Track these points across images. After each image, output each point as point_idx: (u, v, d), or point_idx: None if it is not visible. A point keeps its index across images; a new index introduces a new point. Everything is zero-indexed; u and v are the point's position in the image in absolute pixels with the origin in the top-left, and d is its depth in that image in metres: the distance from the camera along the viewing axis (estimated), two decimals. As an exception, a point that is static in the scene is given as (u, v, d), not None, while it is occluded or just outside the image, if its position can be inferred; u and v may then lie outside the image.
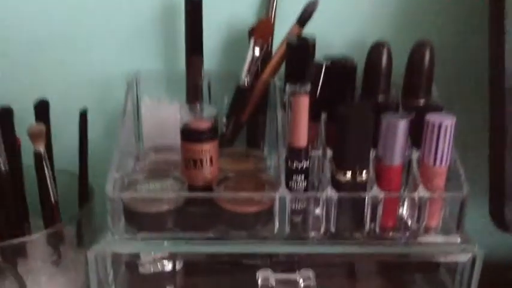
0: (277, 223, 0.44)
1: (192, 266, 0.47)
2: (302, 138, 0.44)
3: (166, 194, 0.44)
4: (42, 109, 0.49)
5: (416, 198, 0.44)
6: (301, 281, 0.45)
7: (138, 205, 0.43)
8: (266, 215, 0.44)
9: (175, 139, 0.46)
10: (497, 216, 0.45)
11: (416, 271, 0.47)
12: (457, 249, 0.44)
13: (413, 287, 0.47)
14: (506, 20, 0.44)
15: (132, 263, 0.46)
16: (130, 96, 0.51)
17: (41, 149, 0.46)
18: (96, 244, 0.43)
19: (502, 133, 0.45)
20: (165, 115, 0.51)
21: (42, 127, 0.46)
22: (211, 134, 0.45)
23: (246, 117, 0.53)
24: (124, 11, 0.54)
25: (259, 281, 0.44)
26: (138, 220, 0.43)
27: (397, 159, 0.44)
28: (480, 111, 0.50)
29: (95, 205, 0.49)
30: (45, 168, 0.47)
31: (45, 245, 0.46)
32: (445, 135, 0.43)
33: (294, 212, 0.44)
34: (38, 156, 0.46)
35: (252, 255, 0.45)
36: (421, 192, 0.43)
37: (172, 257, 0.46)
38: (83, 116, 0.49)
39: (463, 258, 0.44)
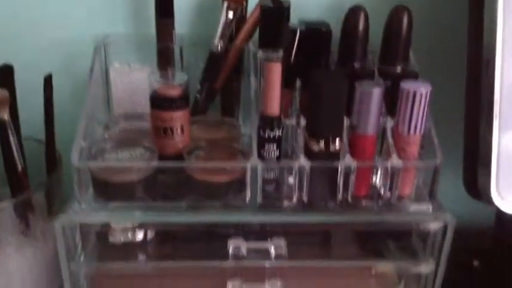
0: (249, 192, 0.43)
1: (164, 236, 0.47)
2: (274, 106, 0.43)
3: (134, 163, 0.43)
4: (6, 74, 0.47)
5: (389, 167, 0.43)
6: (272, 249, 0.44)
7: (106, 174, 0.42)
8: (238, 185, 0.43)
9: (146, 106, 0.45)
10: (470, 185, 0.45)
11: (388, 239, 0.47)
12: (429, 217, 0.44)
13: (386, 254, 0.47)
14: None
15: (102, 232, 0.45)
16: (98, 61, 0.49)
17: (5, 116, 0.44)
18: (63, 214, 0.42)
19: (477, 102, 0.45)
20: (136, 81, 0.50)
21: (5, 93, 0.44)
22: (182, 101, 0.44)
23: (220, 84, 0.51)
24: (92, -29, 0.52)
25: (230, 250, 0.44)
26: (107, 190, 0.42)
27: (371, 129, 0.43)
28: (457, 80, 0.49)
29: (63, 173, 0.48)
30: (10, 136, 0.45)
31: (13, 214, 0.45)
32: (420, 103, 0.42)
33: (266, 181, 0.44)
34: (2, 124, 0.44)
35: (224, 224, 0.45)
36: (394, 161, 0.43)
37: (143, 227, 0.45)
38: (48, 82, 0.47)
39: (435, 226, 0.44)
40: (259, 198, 0.43)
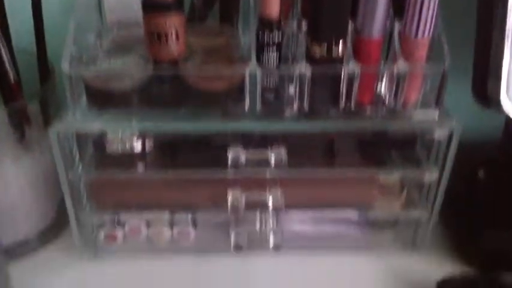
0: (248, 100, 0.42)
1: (162, 146, 0.46)
2: (274, 8, 0.40)
3: (126, 69, 0.42)
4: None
5: (395, 72, 0.41)
6: (272, 158, 0.44)
7: (99, 82, 0.40)
8: (237, 92, 0.41)
9: (140, 13, 0.42)
10: (479, 91, 0.43)
11: (392, 148, 0.46)
12: (434, 124, 0.42)
13: (389, 163, 0.46)
14: None
15: (100, 143, 0.44)
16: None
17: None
18: (58, 123, 0.41)
19: (490, 12, 0.42)
20: (128, -14, 0.47)
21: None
22: (176, 5, 0.41)
23: (218, -12, 0.48)
24: None
25: (230, 159, 0.43)
26: (101, 98, 0.41)
27: (376, 32, 0.41)
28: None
29: (56, 83, 0.47)
30: (1, 48, 0.44)
31: (8, 124, 0.44)
32: (429, 4, 0.40)
33: (266, 89, 0.42)
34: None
35: (223, 134, 0.44)
36: (400, 65, 0.41)
37: (140, 137, 0.44)
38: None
39: (441, 134, 0.43)
40: (258, 107, 0.42)
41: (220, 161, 0.44)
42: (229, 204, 0.46)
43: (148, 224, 0.49)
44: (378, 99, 0.43)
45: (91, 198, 0.46)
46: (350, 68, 0.41)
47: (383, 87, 0.43)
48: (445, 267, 0.48)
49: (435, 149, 0.44)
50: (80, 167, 0.44)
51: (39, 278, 0.47)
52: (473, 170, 0.50)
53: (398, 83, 0.42)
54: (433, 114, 0.43)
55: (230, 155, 0.43)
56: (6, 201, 0.45)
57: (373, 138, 0.46)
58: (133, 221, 0.48)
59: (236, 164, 0.44)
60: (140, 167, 0.45)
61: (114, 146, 0.44)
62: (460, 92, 0.45)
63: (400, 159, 0.46)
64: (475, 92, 0.44)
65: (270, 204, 0.46)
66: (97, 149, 0.45)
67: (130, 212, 0.48)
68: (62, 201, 0.46)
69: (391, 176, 0.47)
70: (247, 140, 0.44)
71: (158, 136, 0.46)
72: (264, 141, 0.44)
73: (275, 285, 0.48)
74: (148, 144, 0.45)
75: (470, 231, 0.48)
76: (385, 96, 0.43)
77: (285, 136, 0.44)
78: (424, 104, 0.43)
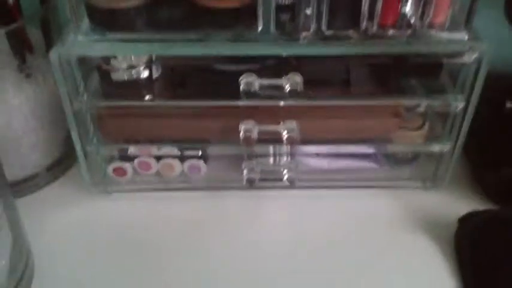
0: (262, 21, 0.39)
1: (171, 74, 0.43)
2: None
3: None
4: None
5: (421, -12, 0.38)
6: (288, 85, 0.41)
7: (101, 0, 0.37)
8: (249, 12, 0.38)
9: None
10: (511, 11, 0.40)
11: (415, 75, 0.43)
12: (463, 46, 0.39)
13: (411, 92, 0.44)
14: None
15: (106, 71, 0.42)
16: None
17: None
18: (59, 45, 0.38)
19: None
20: None
21: None
22: None
23: None
24: None
25: (242, 86, 0.41)
26: (104, 18, 0.38)
27: None
28: None
29: (58, 3, 0.44)
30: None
31: (7, 46, 0.41)
32: None
33: (280, 8, 0.39)
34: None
35: (235, 59, 0.41)
36: (428, -20, 0.37)
37: (148, 63, 0.42)
38: None
39: (469, 58, 0.40)
40: (272, 28, 0.39)
41: (232, 90, 0.41)
42: (241, 136, 0.44)
43: (158, 159, 0.47)
44: (402, 21, 0.40)
45: (98, 129, 0.44)
46: (373, -16, 0.38)
47: (408, 7, 0.40)
48: (466, 204, 0.46)
49: (462, 76, 0.41)
50: (85, 96, 0.42)
51: (48, 213, 0.46)
52: (501, 99, 0.47)
53: (425, 1, 0.38)
54: (462, 36, 0.39)
55: (243, 83, 0.41)
56: (10, 131, 0.44)
57: (395, 65, 0.43)
58: (143, 154, 0.46)
59: (249, 93, 0.41)
60: (148, 96, 0.43)
61: (119, 72, 0.41)
62: (489, 18, 0.42)
63: (423, 88, 0.43)
64: (507, 11, 0.40)
65: (285, 137, 0.44)
66: (102, 77, 0.42)
67: (140, 146, 0.46)
68: (70, 134, 0.44)
69: (413, 106, 0.44)
70: (260, 67, 0.42)
71: (166, 62, 0.43)
72: (279, 67, 0.42)
73: (288, 222, 0.46)
74: (156, 71, 0.43)
75: (492, 163, 0.46)
76: (410, 17, 0.40)
77: (301, 62, 0.41)
78: (453, 26, 0.40)
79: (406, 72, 0.43)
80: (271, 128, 0.44)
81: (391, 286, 0.41)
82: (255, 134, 0.43)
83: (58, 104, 0.42)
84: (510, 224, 0.41)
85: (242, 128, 0.43)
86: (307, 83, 0.41)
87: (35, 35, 0.43)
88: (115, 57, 0.41)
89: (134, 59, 0.41)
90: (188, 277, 0.41)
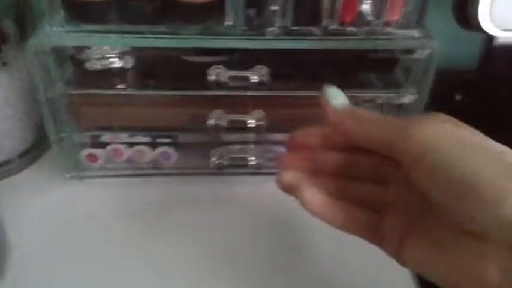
0: (230, 16, 0.41)
1: (143, 65, 0.45)
2: None
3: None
4: None
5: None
6: (254, 77, 0.44)
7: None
8: (218, 7, 0.41)
9: None
10: (459, 12, 0.43)
11: (372, 70, 0.47)
12: (415, 43, 0.43)
13: (368, 85, 0.47)
14: None
15: (80, 60, 0.44)
16: None
17: None
18: (35, 36, 0.40)
19: None
20: None
21: None
22: None
23: None
24: None
25: (210, 77, 0.43)
26: (78, 11, 0.40)
27: None
28: None
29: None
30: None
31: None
32: None
33: (248, 3, 0.41)
34: None
35: (204, 51, 0.43)
36: (383, -19, 0.41)
37: (120, 54, 0.44)
38: None
39: (421, 54, 0.43)
40: (240, 24, 0.41)
41: (201, 81, 0.44)
42: (210, 124, 0.46)
43: (130, 145, 0.49)
44: (360, 18, 0.43)
45: (71, 117, 0.46)
46: (333, -17, 0.40)
47: (365, 6, 0.43)
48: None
49: (415, 71, 0.44)
50: (59, 84, 0.43)
51: (21, 198, 0.47)
52: (451, 93, 0.51)
53: (381, 1, 0.42)
54: (415, 34, 0.43)
55: (212, 74, 0.43)
56: (-16, 118, 0.45)
57: (354, 60, 0.46)
58: (115, 141, 0.48)
59: (217, 84, 0.44)
60: (120, 85, 0.45)
61: (92, 62, 0.43)
62: (440, 19, 0.46)
63: (379, 81, 0.47)
64: (455, 13, 0.44)
65: (253, 125, 0.46)
66: (76, 66, 0.44)
67: (112, 133, 0.48)
68: (43, 121, 0.45)
69: (371, 98, 0.48)
70: (228, 60, 0.44)
71: (139, 54, 0.45)
72: (246, 60, 0.44)
73: (255, 205, 0.49)
74: (128, 62, 0.44)
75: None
76: (368, 15, 0.43)
77: (268, 56, 0.44)
78: (406, 24, 0.43)
79: (364, 67, 0.46)
80: (238, 116, 0.46)
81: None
82: (223, 124, 0.46)
83: (32, 92, 0.43)
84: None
85: (211, 117, 0.46)
86: (273, 74, 0.44)
87: (9, 25, 0.44)
88: (89, 47, 0.43)
89: (107, 50, 0.43)
90: (158, 259, 0.43)
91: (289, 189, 0.33)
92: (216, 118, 0.46)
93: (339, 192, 0.32)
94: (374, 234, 0.31)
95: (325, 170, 0.33)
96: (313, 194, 0.31)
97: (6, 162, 0.48)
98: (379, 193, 0.32)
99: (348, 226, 0.31)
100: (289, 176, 0.33)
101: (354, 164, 0.33)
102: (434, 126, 0.27)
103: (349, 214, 0.31)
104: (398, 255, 0.30)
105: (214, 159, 0.49)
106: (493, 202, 0.24)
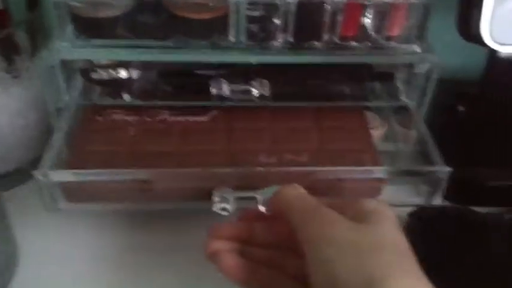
0: (234, 32, 0.42)
1: (147, 75, 0.47)
2: None
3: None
4: None
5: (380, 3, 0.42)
6: (255, 90, 0.45)
7: (84, 10, 0.40)
8: (222, 23, 0.42)
9: None
10: (463, 25, 0.43)
11: (374, 81, 0.47)
12: (416, 58, 0.43)
13: (371, 97, 0.48)
14: None
15: (87, 71, 0.45)
16: None
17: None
18: (45, 51, 0.41)
19: None
20: None
21: None
22: None
23: None
24: None
25: (213, 90, 0.44)
26: (87, 26, 0.41)
27: (362, -37, 0.41)
28: None
29: (43, 10, 0.47)
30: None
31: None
32: None
33: (251, 19, 0.42)
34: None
35: (208, 65, 0.45)
36: (384, -3, 0.41)
37: (126, 66, 0.45)
38: None
39: (422, 68, 0.44)
40: (243, 38, 0.42)
41: (204, 96, 0.45)
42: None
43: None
44: (362, 33, 0.44)
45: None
46: (335, -2, 0.41)
47: (366, 22, 0.44)
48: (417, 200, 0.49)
49: (417, 83, 0.45)
50: (68, 97, 0.45)
51: (32, 207, 0.48)
52: (454, 104, 0.51)
53: (382, 16, 0.42)
54: (416, 48, 0.43)
55: (213, 88, 0.44)
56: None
57: (356, 71, 0.46)
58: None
59: (220, 96, 0.45)
60: (126, 96, 0.46)
61: (100, 75, 0.44)
62: (443, 30, 0.46)
63: (382, 93, 0.48)
64: (458, 26, 0.44)
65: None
66: (84, 78, 0.45)
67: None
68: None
69: (374, 108, 0.49)
70: (231, 73, 0.45)
71: (145, 66, 0.46)
72: (246, 73, 0.45)
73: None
74: (135, 74, 0.46)
75: (445, 163, 0.50)
76: (369, 30, 0.44)
77: (269, 69, 0.45)
78: (407, 38, 0.44)
79: (366, 79, 0.47)
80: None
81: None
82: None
83: (43, 103, 0.45)
84: (456, 220, 0.45)
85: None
86: (275, 87, 0.45)
87: (22, 38, 0.45)
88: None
89: (115, 63, 0.44)
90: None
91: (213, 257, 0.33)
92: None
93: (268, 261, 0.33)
94: None
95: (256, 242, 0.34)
96: (232, 259, 0.32)
97: (17, 171, 0.50)
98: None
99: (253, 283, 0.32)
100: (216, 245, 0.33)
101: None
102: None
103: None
104: None
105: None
106: None
